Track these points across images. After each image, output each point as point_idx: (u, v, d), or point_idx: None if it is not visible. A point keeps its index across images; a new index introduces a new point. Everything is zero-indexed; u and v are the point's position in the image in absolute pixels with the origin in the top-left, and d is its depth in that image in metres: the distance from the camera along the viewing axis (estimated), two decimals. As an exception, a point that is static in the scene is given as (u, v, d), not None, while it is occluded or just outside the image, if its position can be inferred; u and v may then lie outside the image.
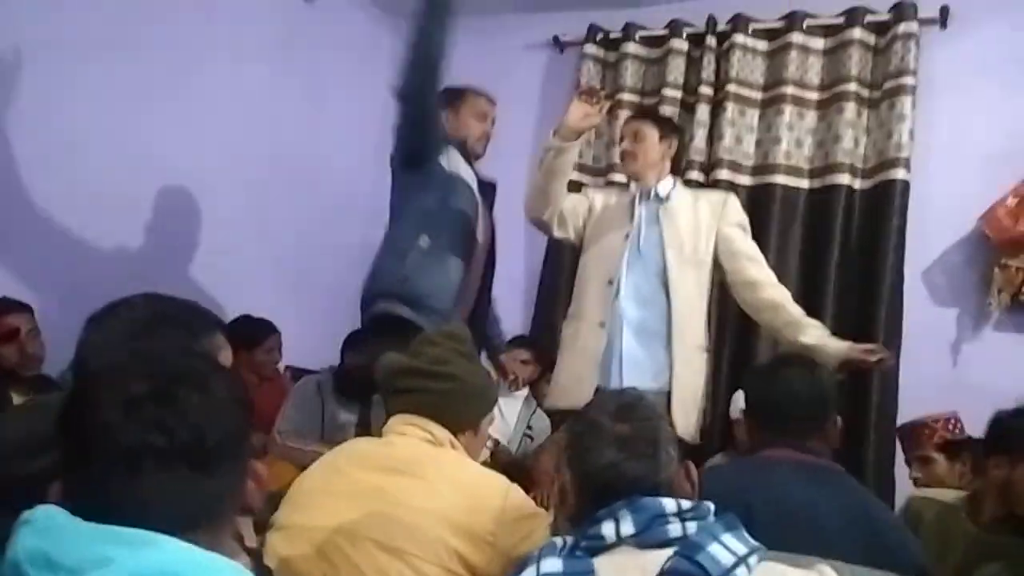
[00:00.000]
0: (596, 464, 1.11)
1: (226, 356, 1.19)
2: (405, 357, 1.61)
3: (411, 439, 1.51)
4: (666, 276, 2.39)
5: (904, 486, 2.47)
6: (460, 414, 1.57)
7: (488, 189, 2.61)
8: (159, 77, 2.91)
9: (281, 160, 3.45)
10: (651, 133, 2.46)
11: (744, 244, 2.46)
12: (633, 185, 2.53)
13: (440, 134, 2.39)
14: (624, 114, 3.39)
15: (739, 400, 2.76)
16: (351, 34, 3.84)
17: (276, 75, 3.41)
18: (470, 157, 2.52)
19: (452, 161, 2.43)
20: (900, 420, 2.71)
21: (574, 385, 2.37)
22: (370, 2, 3.92)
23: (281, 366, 3.30)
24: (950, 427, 2.34)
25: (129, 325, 1.13)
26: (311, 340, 3.35)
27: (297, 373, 3.28)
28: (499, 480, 1.49)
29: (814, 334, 2.27)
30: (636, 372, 2.34)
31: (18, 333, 2.25)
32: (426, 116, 2.30)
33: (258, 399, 2.79)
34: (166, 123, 2.93)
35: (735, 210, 2.49)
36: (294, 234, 3.54)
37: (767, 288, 2.40)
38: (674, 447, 1.14)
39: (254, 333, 3.03)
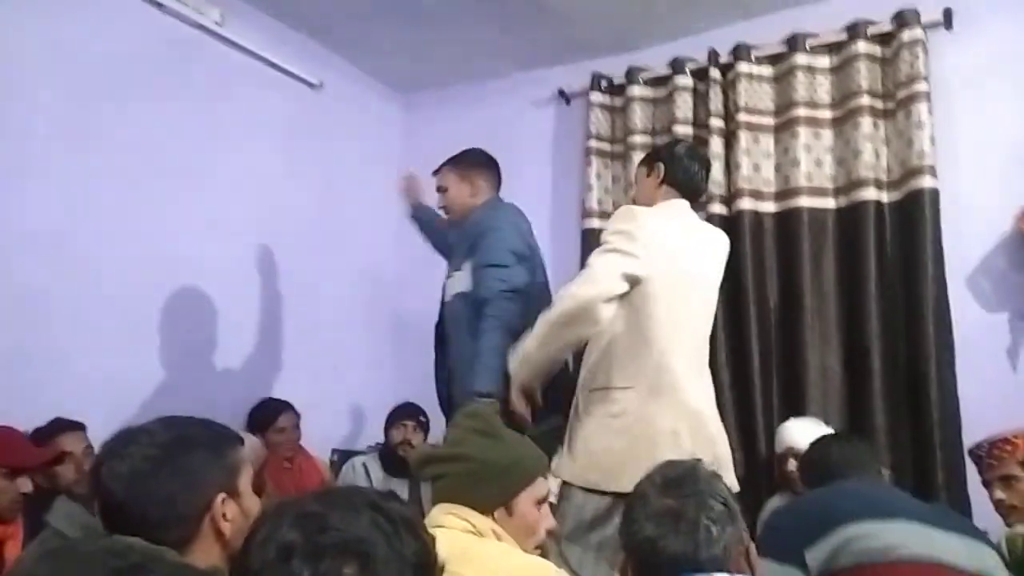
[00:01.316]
0: (637, 538, 1.07)
1: (248, 470, 1.18)
2: (431, 445, 1.61)
3: (452, 531, 1.46)
4: None
5: (981, 510, 2.34)
6: (481, 494, 1.51)
7: None
8: (172, 169, 2.96)
9: (304, 243, 3.49)
10: (639, 172, 2.44)
11: None
12: None
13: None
14: (638, 156, 3.39)
15: (783, 435, 2.67)
16: (361, 113, 3.92)
17: (289, 160, 3.47)
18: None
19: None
20: (965, 436, 2.60)
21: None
22: (378, 81, 4.00)
23: (326, 450, 3.27)
24: None
25: (154, 451, 1.12)
26: (354, 421, 3.34)
27: (344, 456, 3.27)
28: (545, 569, 1.44)
29: None
30: None
31: (72, 456, 2.26)
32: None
33: (288, 481, 2.81)
34: (183, 215, 2.98)
35: None
36: (325, 316, 3.56)
37: None
38: (729, 524, 1.09)
39: (265, 415, 3.00)
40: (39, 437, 2.25)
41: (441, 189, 2.66)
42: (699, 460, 1.26)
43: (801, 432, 2.61)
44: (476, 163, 2.64)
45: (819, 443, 2.06)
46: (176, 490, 1.11)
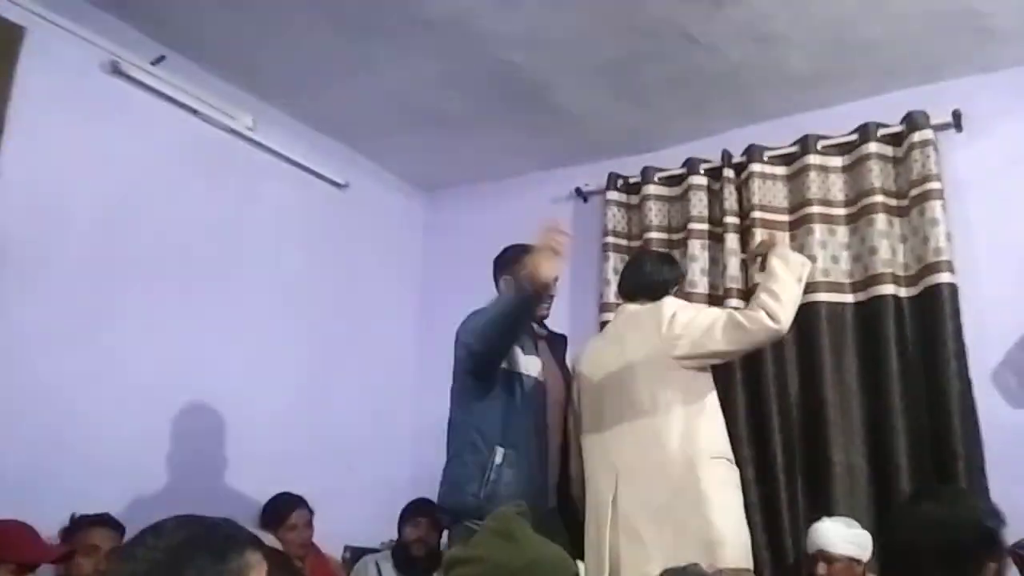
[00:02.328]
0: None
1: (256, 574, 1.16)
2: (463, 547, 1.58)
3: None
4: None
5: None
6: None
7: (559, 340, 2.70)
8: (199, 269, 3.04)
9: (324, 340, 3.53)
10: None
11: None
12: None
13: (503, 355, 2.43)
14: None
15: (814, 536, 2.58)
16: (386, 211, 4.04)
17: (313, 259, 3.55)
18: (530, 325, 2.55)
19: (510, 357, 2.45)
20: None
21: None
22: (402, 180, 4.13)
23: (333, 547, 3.20)
24: None
25: (157, 555, 1.12)
26: (367, 518, 3.29)
27: (357, 553, 3.20)
28: None
29: None
30: None
31: (98, 550, 2.25)
32: (497, 359, 2.39)
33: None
34: (207, 314, 3.04)
35: None
36: (345, 412, 3.55)
37: None
38: None
39: (277, 511, 2.94)
40: (71, 529, 2.28)
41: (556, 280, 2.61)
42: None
43: (835, 533, 2.53)
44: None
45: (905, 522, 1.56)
46: None
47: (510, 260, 2.62)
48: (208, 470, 2.97)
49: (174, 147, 3.02)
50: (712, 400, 2.39)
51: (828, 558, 2.49)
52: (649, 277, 2.56)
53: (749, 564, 2.16)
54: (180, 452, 2.87)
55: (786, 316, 2.23)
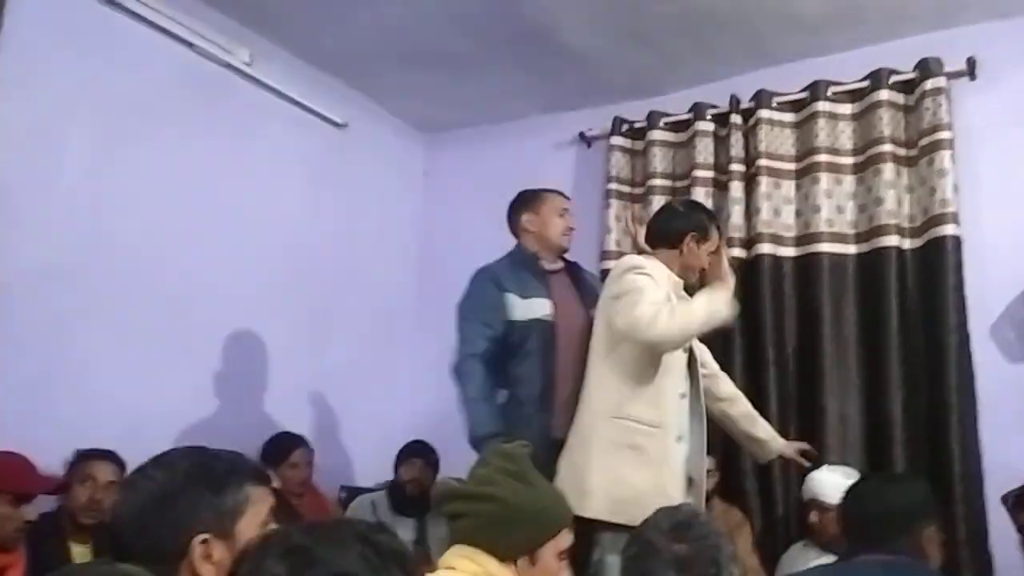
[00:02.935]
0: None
1: (257, 510, 1.17)
2: (456, 480, 1.57)
3: (459, 574, 1.41)
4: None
5: (1004, 563, 2.26)
6: (505, 539, 1.45)
7: (575, 269, 2.71)
8: (197, 204, 3.00)
9: (323, 279, 3.52)
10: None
11: None
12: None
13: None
14: (658, 199, 3.39)
15: (811, 485, 2.60)
16: (385, 152, 3.98)
17: (312, 198, 3.52)
18: (537, 266, 2.60)
19: (510, 304, 2.49)
20: (988, 490, 2.53)
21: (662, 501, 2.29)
22: (402, 121, 4.07)
23: (329, 487, 3.24)
24: None
25: (154, 485, 1.14)
26: (364, 458, 3.33)
27: (352, 493, 3.25)
28: None
29: (766, 429, 2.64)
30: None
31: (95, 480, 2.27)
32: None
33: (295, 519, 2.78)
34: (206, 250, 3.02)
35: None
36: (344, 353, 3.57)
37: (727, 382, 2.67)
38: (737, 565, 1.07)
39: (278, 449, 2.97)
40: (74, 463, 2.31)
41: (525, 230, 2.68)
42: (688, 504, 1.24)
43: (830, 484, 2.55)
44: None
45: (858, 494, 1.85)
46: (160, 527, 1.11)
47: (529, 200, 2.67)
48: (207, 407, 2.99)
49: (169, 81, 2.96)
50: (635, 361, 2.28)
51: (821, 507, 2.52)
52: (663, 224, 2.48)
53: (616, 519, 2.11)
54: (179, 386, 2.88)
55: (665, 333, 2.16)
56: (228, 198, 3.14)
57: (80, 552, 2.23)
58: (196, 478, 1.16)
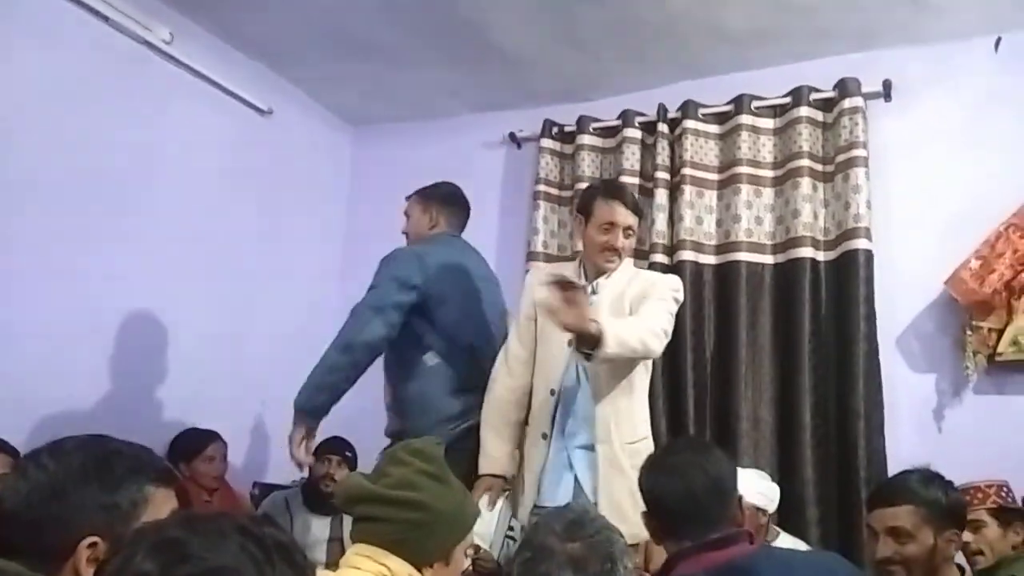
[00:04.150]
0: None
1: (157, 513, 1.08)
2: (367, 479, 1.46)
3: (364, 574, 1.35)
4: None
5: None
6: (428, 546, 1.40)
7: None
8: (107, 186, 2.86)
9: (243, 275, 3.41)
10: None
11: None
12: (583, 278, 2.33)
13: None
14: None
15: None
16: (311, 143, 3.89)
17: (233, 185, 3.40)
18: None
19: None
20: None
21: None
22: (330, 111, 3.98)
23: (241, 484, 3.15)
24: (1003, 493, 2.31)
25: (46, 476, 1.05)
26: (278, 454, 3.23)
27: (266, 490, 3.15)
28: None
29: None
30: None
31: None
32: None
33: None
34: (114, 234, 2.88)
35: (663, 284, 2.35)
36: (261, 347, 3.46)
37: None
38: (630, 559, 1.07)
39: (193, 443, 2.91)
40: None
41: (405, 214, 2.70)
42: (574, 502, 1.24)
43: (744, 483, 2.59)
44: (444, 199, 2.65)
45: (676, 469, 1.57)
46: (47, 523, 1.03)
47: (439, 198, 2.65)
48: (114, 402, 2.84)
49: (82, 56, 2.80)
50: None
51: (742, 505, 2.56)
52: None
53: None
54: (85, 380, 2.75)
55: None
56: (140, 179, 2.99)
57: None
58: (91, 473, 1.07)
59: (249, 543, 0.76)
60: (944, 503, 1.64)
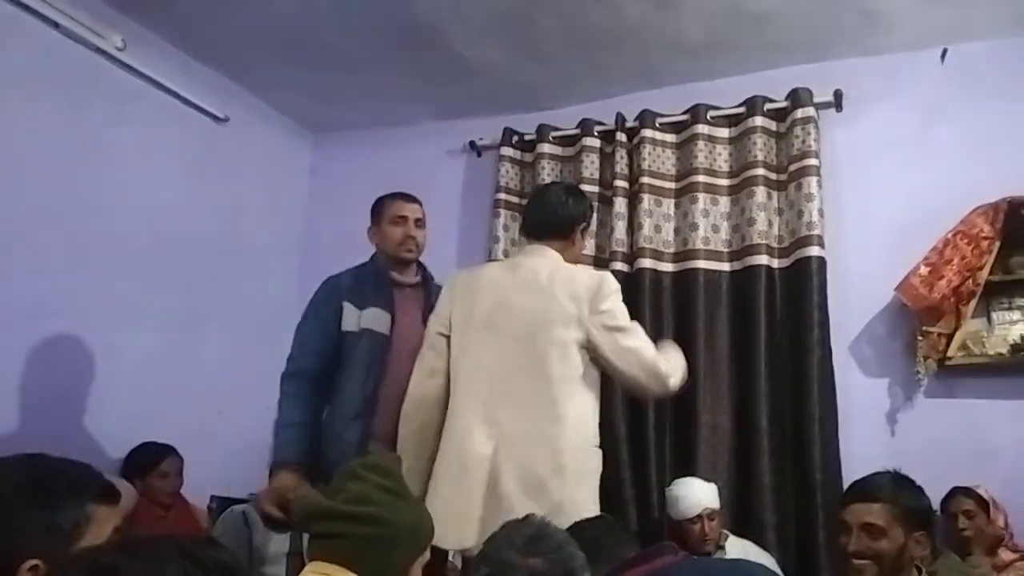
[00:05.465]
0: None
1: (100, 532, 1.06)
2: (323, 496, 1.44)
3: None
4: None
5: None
6: (386, 561, 1.38)
7: (434, 289, 2.49)
8: (58, 197, 2.80)
9: (200, 282, 3.36)
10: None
11: None
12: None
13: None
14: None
15: (700, 496, 2.66)
16: (269, 150, 3.84)
17: (190, 194, 3.35)
18: (385, 277, 2.47)
19: (345, 313, 2.40)
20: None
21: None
22: (288, 119, 3.94)
23: (198, 498, 3.09)
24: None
25: None
26: (236, 467, 3.18)
27: (224, 503, 3.09)
28: None
29: None
30: None
31: None
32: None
33: (162, 531, 2.63)
34: (67, 245, 2.82)
35: None
36: (219, 357, 3.41)
37: None
38: (588, 572, 1.07)
39: (147, 458, 2.86)
40: None
41: (420, 223, 2.53)
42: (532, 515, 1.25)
43: (708, 491, 2.70)
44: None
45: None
46: None
47: (373, 210, 2.57)
48: (66, 416, 2.78)
49: (31, 63, 2.74)
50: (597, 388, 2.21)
51: (711, 514, 2.63)
52: (555, 212, 2.26)
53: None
54: (35, 394, 2.67)
55: (675, 382, 2.22)
56: (91, 189, 2.93)
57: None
58: (29, 494, 1.04)
59: (190, 566, 0.75)
60: (915, 506, 1.71)
